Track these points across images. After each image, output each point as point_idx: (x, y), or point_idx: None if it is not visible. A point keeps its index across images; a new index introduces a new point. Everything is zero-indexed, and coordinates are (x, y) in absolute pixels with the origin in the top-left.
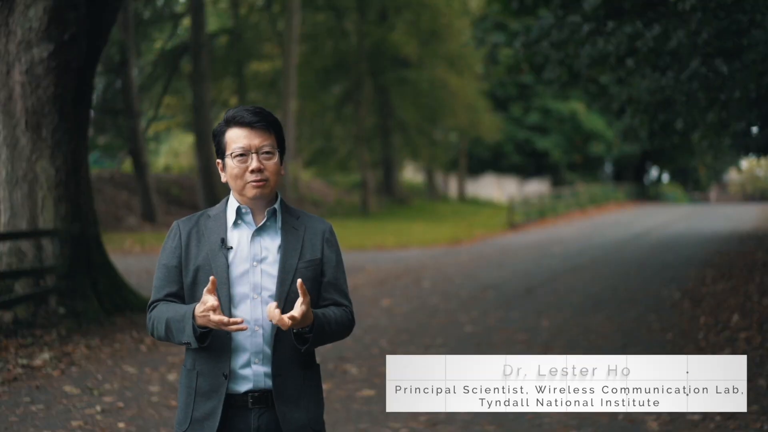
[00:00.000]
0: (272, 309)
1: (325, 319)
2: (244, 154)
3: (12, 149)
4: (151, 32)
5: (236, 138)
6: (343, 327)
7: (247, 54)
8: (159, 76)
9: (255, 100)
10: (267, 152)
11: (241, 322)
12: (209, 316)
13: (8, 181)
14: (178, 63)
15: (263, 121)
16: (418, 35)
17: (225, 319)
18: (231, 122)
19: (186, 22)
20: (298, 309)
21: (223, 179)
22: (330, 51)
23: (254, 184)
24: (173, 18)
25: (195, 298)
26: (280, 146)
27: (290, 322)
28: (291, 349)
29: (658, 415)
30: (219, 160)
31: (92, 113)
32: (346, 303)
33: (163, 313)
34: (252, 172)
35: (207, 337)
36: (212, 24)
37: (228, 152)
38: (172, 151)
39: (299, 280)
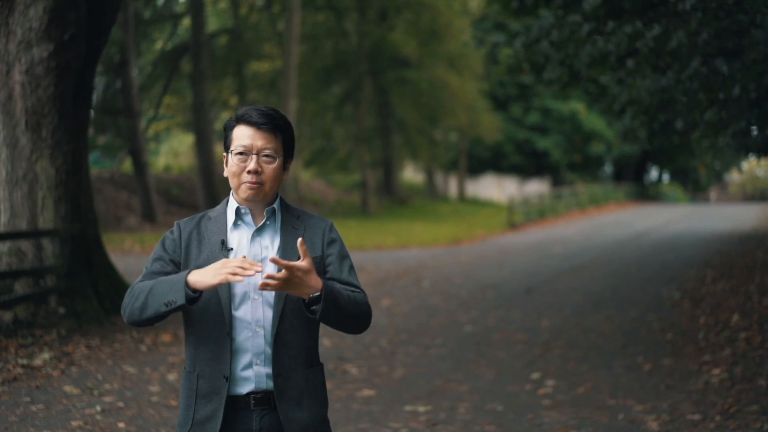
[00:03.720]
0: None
1: (335, 288)
2: (244, 153)
3: (12, 149)
4: (151, 32)
5: (240, 136)
6: (359, 306)
7: (247, 54)
8: (159, 76)
9: (255, 100)
10: (268, 156)
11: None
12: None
13: (8, 181)
14: (178, 63)
15: (270, 124)
16: (418, 35)
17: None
18: (240, 119)
19: (186, 22)
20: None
21: (225, 173)
22: (330, 51)
23: (249, 185)
24: (173, 18)
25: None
26: (287, 151)
27: (275, 282)
28: (293, 348)
29: (658, 415)
30: (225, 154)
31: (92, 113)
32: (358, 290)
33: (150, 282)
34: (249, 172)
35: (196, 301)
36: (212, 24)
37: (231, 148)
38: (172, 151)
39: (299, 239)
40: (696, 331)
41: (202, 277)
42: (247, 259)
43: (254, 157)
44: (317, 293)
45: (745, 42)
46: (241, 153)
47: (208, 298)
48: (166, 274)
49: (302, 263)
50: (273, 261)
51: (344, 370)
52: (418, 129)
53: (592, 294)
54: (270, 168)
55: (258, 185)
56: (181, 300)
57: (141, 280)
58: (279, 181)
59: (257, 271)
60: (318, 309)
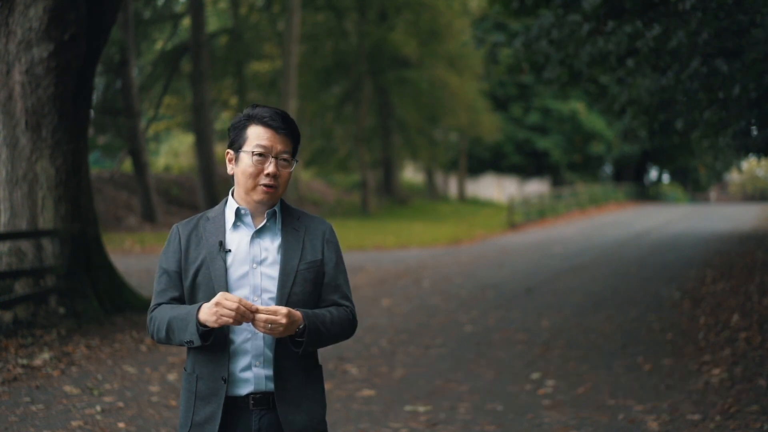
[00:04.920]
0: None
1: (318, 319)
2: (263, 155)
3: (12, 149)
4: (151, 32)
5: (259, 137)
6: (343, 327)
7: (247, 54)
8: (159, 76)
9: (255, 100)
10: (285, 159)
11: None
12: (230, 304)
13: (8, 181)
14: (178, 63)
15: (288, 128)
16: (418, 35)
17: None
18: (256, 119)
19: (186, 22)
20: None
21: (230, 171)
22: (330, 51)
23: (264, 188)
24: (173, 18)
25: (194, 300)
26: (294, 156)
27: (269, 325)
28: (293, 351)
29: (658, 415)
30: (230, 151)
31: (92, 113)
32: (346, 303)
33: (166, 313)
34: (267, 175)
35: (210, 336)
36: (212, 24)
37: (247, 148)
38: (172, 151)
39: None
40: (696, 331)
41: (207, 317)
42: (243, 301)
43: (273, 159)
44: (301, 326)
45: (745, 42)
46: (260, 154)
47: (207, 301)
48: (174, 287)
49: (281, 309)
50: (256, 311)
51: (344, 370)
52: (418, 129)
53: (592, 294)
54: (286, 172)
55: (273, 189)
56: (197, 342)
57: (155, 303)
58: (287, 185)
59: (249, 318)
60: (302, 342)
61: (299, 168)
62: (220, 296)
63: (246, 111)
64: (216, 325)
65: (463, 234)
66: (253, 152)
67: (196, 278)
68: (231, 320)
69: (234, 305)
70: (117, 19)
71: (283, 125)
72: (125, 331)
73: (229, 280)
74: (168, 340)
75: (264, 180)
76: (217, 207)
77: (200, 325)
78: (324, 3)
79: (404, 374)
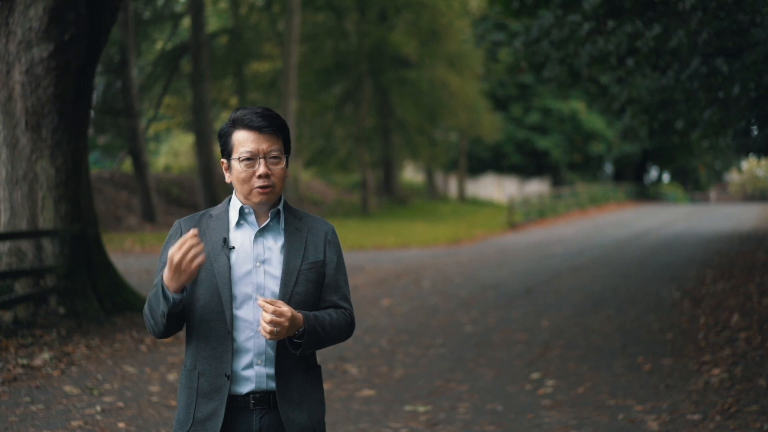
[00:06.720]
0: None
1: (317, 322)
2: (251, 159)
3: (12, 149)
4: (151, 32)
5: (243, 141)
6: (341, 330)
7: (247, 54)
8: (159, 76)
9: (255, 100)
10: (274, 157)
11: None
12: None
13: (8, 181)
14: (178, 63)
15: (272, 126)
16: (418, 35)
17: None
18: (238, 124)
19: (186, 22)
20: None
21: (228, 180)
22: (330, 51)
23: (260, 190)
24: (173, 18)
25: (195, 297)
26: (287, 150)
27: (271, 328)
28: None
29: (658, 415)
30: (224, 160)
31: (92, 113)
32: (345, 305)
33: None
34: (259, 177)
35: (179, 303)
36: (212, 24)
37: (235, 155)
38: (172, 151)
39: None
40: (696, 331)
41: (168, 282)
42: (186, 235)
43: (262, 160)
44: (301, 329)
45: (745, 42)
46: (248, 159)
47: (209, 297)
48: None
49: (284, 309)
50: (261, 304)
51: (344, 370)
52: (418, 129)
53: (592, 294)
54: (278, 169)
55: (269, 188)
56: (165, 309)
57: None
58: (285, 181)
59: (193, 245)
60: (301, 344)
61: (299, 168)
62: (169, 256)
63: (230, 116)
64: (171, 282)
65: (463, 234)
66: (240, 158)
67: (197, 275)
68: (179, 264)
69: (179, 246)
70: (117, 19)
71: (266, 123)
72: (125, 331)
73: (233, 277)
74: (154, 323)
75: (257, 182)
76: (220, 205)
77: (165, 289)
78: (324, 3)
79: (404, 374)
